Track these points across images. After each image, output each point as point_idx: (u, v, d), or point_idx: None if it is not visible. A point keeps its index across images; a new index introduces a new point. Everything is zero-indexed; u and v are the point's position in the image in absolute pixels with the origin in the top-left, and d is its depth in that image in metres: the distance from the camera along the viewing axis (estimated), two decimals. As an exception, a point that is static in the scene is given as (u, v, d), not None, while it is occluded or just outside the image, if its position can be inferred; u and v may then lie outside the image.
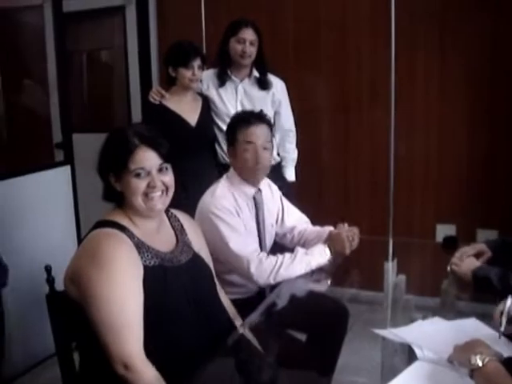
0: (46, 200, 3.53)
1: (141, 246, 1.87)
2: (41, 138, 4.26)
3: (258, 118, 2.61)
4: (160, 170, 1.93)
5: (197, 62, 3.43)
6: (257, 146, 2.56)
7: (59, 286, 1.95)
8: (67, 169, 3.71)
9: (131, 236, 1.87)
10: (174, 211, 2.13)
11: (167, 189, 1.96)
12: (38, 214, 3.46)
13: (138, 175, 1.89)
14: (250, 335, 2.04)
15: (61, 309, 1.93)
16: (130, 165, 1.88)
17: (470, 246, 2.50)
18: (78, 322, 1.84)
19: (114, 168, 1.91)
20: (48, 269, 2.01)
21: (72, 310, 1.85)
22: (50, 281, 1.99)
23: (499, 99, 3.90)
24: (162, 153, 1.92)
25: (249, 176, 2.62)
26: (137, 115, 4.60)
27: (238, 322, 2.14)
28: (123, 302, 1.76)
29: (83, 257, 1.83)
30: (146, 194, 1.91)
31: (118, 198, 1.95)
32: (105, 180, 1.95)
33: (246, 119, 2.58)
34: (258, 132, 2.57)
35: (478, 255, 2.47)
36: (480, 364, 1.47)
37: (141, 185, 1.90)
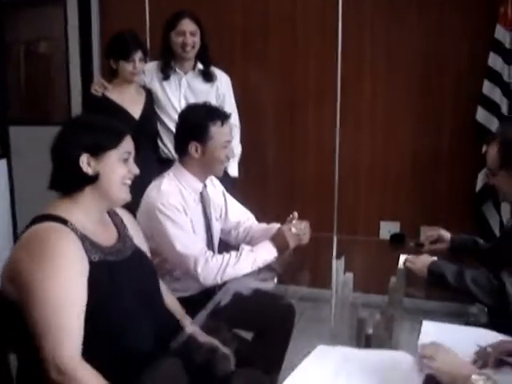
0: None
1: (84, 240, 1.79)
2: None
3: (226, 115, 2.60)
4: (133, 160, 1.93)
5: (138, 55, 3.37)
6: (230, 143, 2.60)
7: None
8: (3, 162, 3.58)
9: (74, 230, 1.78)
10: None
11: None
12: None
13: (124, 159, 1.87)
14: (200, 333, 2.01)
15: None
16: (122, 146, 1.86)
17: (434, 229, 2.64)
18: (15, 324, 1.74)
19: (100, 146, 1.82)
20: (-18, 267, 1.90)
21: (8, 312, 1.74)
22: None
23: (444, 97, 3.96)
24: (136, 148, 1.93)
25: (214, 172, 2.64)
26: (77, 107, 4.49)
27: (186, 320, 2.12)
28: (64, 302, 1.66)
29: (23, 253, 1.72)
30: (122, 181, 1.88)
31: (78, 183, 1.83)
32: (68, 162, 1.82)
33: (219, 117, 2.55)
34: (230, 129, 2.62)
35: (438, 240, 2.64)
36: None
37: (125, 170, 1.88)
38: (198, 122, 2.56)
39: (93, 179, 1.83)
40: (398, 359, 1.72)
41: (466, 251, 2.65)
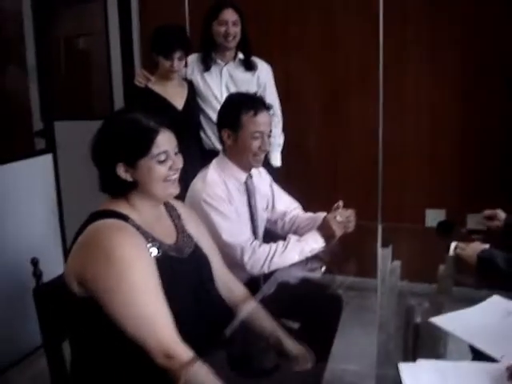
0: (27, 190, 3.44)
1: (146, 236, 1.80)
2: (20, 127, 4.17)
3: (263, 104, 2.58)
4: (176, 152, 1.89)
5: (177, 54, 3.37)
6: (264, 134, 2.55)
7: (46, 278, 1.88)
8: (49, 157, 3.62)
9: (136, 226, 1.79)
10: (171, 201, 2.05)
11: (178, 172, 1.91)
12: (19, 205, 3.37)
13: (161, 160, 1.82)
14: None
15: (49, 303, 1.86)
16: (153, 150, 1.80)
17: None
18: (73, 316, 1.77)
19: (130, 156, 1.79)
20: (35, 262, 1.94)
21: (65, 305, 1.77)
22: (37, 274, 1.91)
23: (494, 80, 3.87)
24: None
25: (248, 163, 2.59)
26: (119, 101, 4.51)
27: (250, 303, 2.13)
28: (146, 290, 1.68)
29: (88, 252, 1.71)
30: (164, 180, 1.84)
31: (122, 187, 1.83)
32: (107, 170, 1.81)
33: (253, 106, 2.53)
34: (265, 120, 2.57)
35: (492, 218, 2.64)
36: None
37: (164, 169, 1.83)
38: (231, 109, 2.57)
39: (134, 184, 1.82)
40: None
41: None
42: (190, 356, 1.63)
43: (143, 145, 1.79)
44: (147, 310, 1.66)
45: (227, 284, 2.14)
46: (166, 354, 1.62)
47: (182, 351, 1.64)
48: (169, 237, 1.91)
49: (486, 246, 2.35)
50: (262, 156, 2.60)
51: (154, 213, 1.91)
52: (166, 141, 1.84)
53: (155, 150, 1.80)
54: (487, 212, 2.69)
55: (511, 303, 1.89)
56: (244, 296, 2.17)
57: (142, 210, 1.85)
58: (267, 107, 2.59)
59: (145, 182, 1.82)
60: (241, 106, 2.53)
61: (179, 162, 1.89)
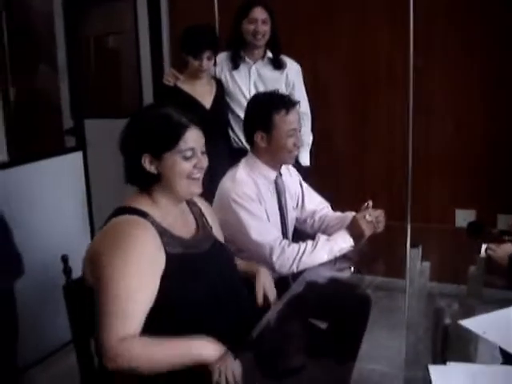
0: (57, 187, 3.47)
1: (164, 234, 1.81)
2: (51, 124, 4.21)
3: (292, 102, 2.58)
4: (202, 152, 1.90)
5: (206, 54, 3.38)
6: (297, 130, 2.56)
7: (75, 275, 1.90)
8: (79, 155, 3.65)
9: (154, 223, 1.81)
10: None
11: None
12: (50, 202, 3.41)
13: (187, 156, 1.83)
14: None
15: (78, 300, 1.88)
16: (181, 145, 1.82)
17: None
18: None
19: (157, 148, 1.82)
20: (65, 259, 1.96)
21: (90, 301, 1.78)
22: (67, 271, 1.94)
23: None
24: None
25: (283, 160, 2.61)
26: (148, 99, 4.55)
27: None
28: (127, 290, 1.69)
29: (101, 244, 1.76)
30: (188, 177, 1.85)
31: (146, 180, 1.85)
32: (134, 161, 1.84)
33: (284, 105, 2.53)
34: (296, 117, 2.58)
35: None
36: None
37: (188, 166, 1.85)
38: (261, 110, 2.56)
39: (158, 178, 1.84)
40: None
41: None
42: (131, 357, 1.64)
43: (171, 138, 1.81)
44: (120, 306, 1.67)
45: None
46: (107, 355, 1.63)
47: (120, 353, 1.63)
48: (189, 232, 1.94)
49: None
50: (297, 152, 2.63)
51: (176, 210, 1.93)
52: (194, 138, 1.86)
53: (182, 146, 1.82)
54: None
55: None
56: None
57: (163, 207, 1.87)
58: (295, 103, 2.58)
59: (168, 176, 1.83)
60: (271, 106, 2.53)
61: (205, 162, 1.90)
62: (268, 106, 2.53)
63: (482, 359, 1.74)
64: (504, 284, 2.38)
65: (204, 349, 1.68)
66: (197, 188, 1.91)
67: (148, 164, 1.82)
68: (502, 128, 3.91)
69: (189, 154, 1.84)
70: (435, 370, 1.57)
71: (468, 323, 1.85)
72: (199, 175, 1.89)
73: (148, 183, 1.86)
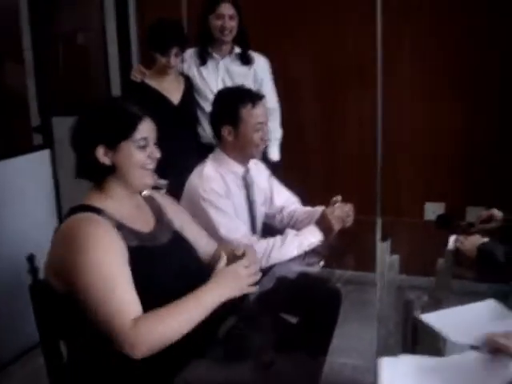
0: (25, 185, 3.43)
1: (121, 228, 1.80)
2: (18, 122, 4.16)
3: (258, 96, 2.59)
4: (154, 143, 1.91)
5: (174, 51, 3.37)
6: (264, 125, 2.57)
7: (43, 274, 1.88)
8: (46, 153, 3.61)
9: (109, 218, 1.80)
10: (149, 192, 2.06)
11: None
12: (17, 200, 3.37)
13: (141, 145, 1.84)
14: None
15: (45, 299, 1.85)
16: (136, 134, 1.83)
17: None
18: (63, 312, 1.77)
19: (113, 137, 1.82)
20: (31, 258, 1.93)
21: (56, 303, 1.78)
22: (33, 271, 1.91)
23: (494, 73, 3.87)
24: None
25: (251, 155, 2.61)
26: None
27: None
28: (116, 276, 1.68)
29: (62, 246, 1.74)
30: (141, 167, 1.86)
31: (100, 173, 1.85)
32: (87, 153, 1.82)
33: (250, 99, 2.54)
34: (263, 110, 2.59)
35: (489, 219, 2.58)
36: None
37: (142, 156, 1.85)
38: (228, 105, 2.57)
39: (112, 169, 1.83)
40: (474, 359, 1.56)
41: None
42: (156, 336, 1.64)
43: (127, 127, 1.82)
44: (113, 294, 1.66)
45: (214, 254, 2.15)
46: (128, 343, 1.62)
47: (144, 337, 1.63)
48: (147, 226, 1.92)
49: (486, 239, 2.35)
50: (264, 146, 2.64)
51: (131, 202, 1.92)
52: (147, 128, 1.87)
53: (137, 135, 1.83)
54: (483, 215, 2.63)
55: (503, 308, 1.87)
56: None
57: (117, 199, 1.87)
58: (262, 97, 2.59)
59: (123, 166, 1.83)
60: (237, 100, 2.53)
61: (157, 152, 1.90)
62: (234, 100, 2.54)
63: (452, 350, 1.75)
64: (472, 276, 2.40)
65: (213, 293, 1.77)
66: (150, 179, 1.91)
67: (102, 155, 1.81)
68: (471, 120, 3.94)
69: (143, 143, 1.84)
70: (384, 362, 1.57)
71: (427, 317, 1.86)
72: (152, 166, 1.90)
73: (101, 176, 1.86)
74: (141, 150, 1.85)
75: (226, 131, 2.54)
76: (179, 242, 2.01)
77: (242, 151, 2.57)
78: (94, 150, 1.80)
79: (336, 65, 4.16)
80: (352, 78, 4.16)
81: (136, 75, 3.46)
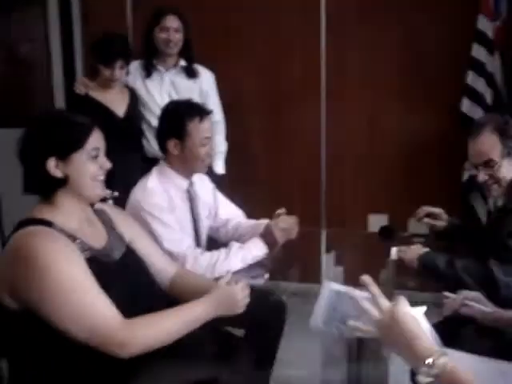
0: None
1: (73, 240, 1.76)
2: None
3: (205, 110, 2.58)
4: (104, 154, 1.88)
5: (118, 64, 3.35)
6: (210, 140, 2.57)
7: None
8: (-15, 166, 3.53)
9: (61, 231, 1.75)
10: (100, 205, 2.02)
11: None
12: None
13: (93, 156, 1.82)
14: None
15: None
16: (87, 145, 1.79)
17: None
18: (14, 330, 1.73)
19: (65, 149, 1.77)
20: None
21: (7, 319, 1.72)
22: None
23: (430, 88, 3.97)
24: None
25: (196, 169, 2.60)
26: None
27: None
28: (82, 289, 1.66)
29: (17, 263, 1.67)
30: (93, 179, 1.83)
31: (50, 186, 1.79)
32: (36, 167, 1.77)
33: (197, 113, 2.53)
34: (210, 125, 2.58)
35: (434, 216, 2.68)
36: (431, 379, 1.26)
37: (95, 167, 1.83)
38: (175, 118, 2.55)
39: (63, 181, 1.79)
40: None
41: (457, 235, 2.67)
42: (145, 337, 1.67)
43: (78, 138, 1.79)
44: (87, 308, 1.64)
45: (179, 278, 2.14)
46: (118, 344, 1.63)
47: (133, 335, 1.66)
48: (98, 240, 1.88)
49: (427, 249, 2.40)
50: (209, 161, 2.63)
51: (82, 215, 1.88)
52: (98, 139, 1.84)
53: (89, 145, 1.80)
54: (425, 210, 2.69)
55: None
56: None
57: (69, 212, 1.82)
58: (209, 112, 2.59)
59: (75, 178, 1.79)
60: (185, 113, 2.52)
61: (107, 164, 1.88)
62: (182, 114, 2.52)
63: (396, 360, 1.77)
64: (414, 286, 2.44)
65: (207, 308, 1.82)
66: (101, 190, 1.89)
67: (53, 168, 1.76)
68: (412, 134, 4.02)
69: (94, 153, 1.82)
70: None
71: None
72: (103, 177, 1.88)
73: (52, 189, 1.80)
74: (93, 161, 1.82)
75: (171, 145, 2.53)
76: (132, 258, 1.98)
77: (187, 165, 2.56)
78: (44, 163, 1.75)
79: (280, 77, 4.21)
80: (296, 91, 4.20)
81: (80, 87, 3.42)
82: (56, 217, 1.78)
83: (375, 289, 1.43)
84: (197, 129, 2.51)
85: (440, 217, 2.70)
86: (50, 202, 1.81)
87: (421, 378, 1.25)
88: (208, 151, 2.56)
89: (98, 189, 1.86)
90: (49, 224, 1.75)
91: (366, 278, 1.44)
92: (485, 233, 2.44)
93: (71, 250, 1.72)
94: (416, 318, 1.36)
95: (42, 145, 1.77)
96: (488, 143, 2.23)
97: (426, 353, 1.26)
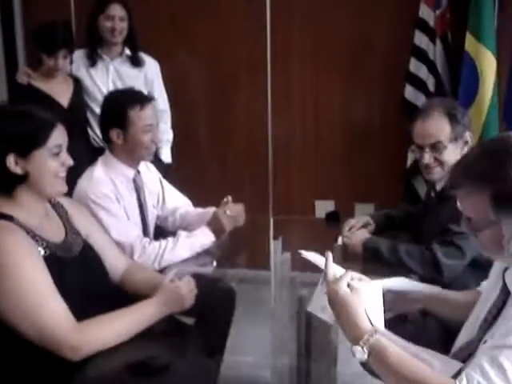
0: None
1: (33, 236, 1.75)
2: None
3: (147, 98, 2.57)
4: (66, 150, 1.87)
5: (61, 53, 3.31)
6: (154, 127, 2.55)
7: None
8: None
9: (20, 225, 1.74)
10: (56, 198, 2.00)
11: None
12: None
13: (55, 153, 1.80)
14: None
15: None
16: (50, 142, 1.77)
17: (357, 219, 2.60)
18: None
19: (26, 146, 1.75)
20: None
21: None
22: None
23: (373, 75, 4.02)
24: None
25: (141, 157, 2.59)
26: (3, 99, 4.34)
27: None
28: (41, 289, 1.66)
29: None
30: (55, 176, 1.81)
31: (9, 182, 1.77)
32: None
33: (139, 100, 2.51)
34: (152, 112, 2.56)
35: (363, 227, 2.59)
36: (365, 357, 1.35)
37: (56, 164, 1.81)
38: (116, 107, 2.54)
39: (23, 178, 1.77)
40: None
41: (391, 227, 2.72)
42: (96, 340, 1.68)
43: (40, 135, 1.77)
44: (42, 310, 1.64)
45: (128, 272, 2.14)
46: (70, 347, 1.63)
47: (85, 338, 1.66)
48: (57, 235, 1.87)
49: (370, 234, 2.45)
50: (154, 148, 2.61)
51: (41, 211, 1.87)
52: (60, 135, 1.83)
53: (51, 142, 1.79)
54: (352, 226, 2.61)
55: None
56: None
57: (28, 208, 1.81)
58: (151, 99, 2.58)
59: (35, 175, 1.78)
60: (125, 102, 2.51)
61: (69, 160, 1.87)
62: (122, 103, 2.51)
63: (345, 344, 1.80)
64: (360, 270, 2.48)
65: (155, 308, 1.85)
66: (62, 187, 1.88)
67: (13, 165, 1.74)
68: (357, 121, 4.08)
69: (56, 150, 1.80)
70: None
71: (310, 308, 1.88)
72: (64, 174, 1.87)
73: (11, 185, 1.78)
74: (54, 158, 1.80)
75: (114, 134, 2.51)
76: (89, 253, 1.97)
77: (131, 154, 2.55)
78: (3, 159, 1.73)
79: (226, 64, 4.20)
80: (242, 77, 4.21)
81: (22, 77, 3.37)
82: (16, 212, 1.77)
83: (329, 265, 1.51)
84: (138, 116, 2.49)
85: (366, 225, 2.68)
86: (10, 197, 1.79)
87: (357, 355, 1.34)
88: (152, 138, 2.55)
89: (58, 185, 1.85)
90: (9, 218, 1.74)
91: (328, 255, 1.53)
92: (426, 217, 2.50)
93: (30, 247, 1.71)
94: (364, 294, 1.41)
95: (1, 141, 1.75)
96: (438, 125, 2.28)
97: (359, 332, 1.35)
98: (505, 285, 1.43)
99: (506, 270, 1.45)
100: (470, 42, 3.52)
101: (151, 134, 2.54)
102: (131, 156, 2.56)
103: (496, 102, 3.50)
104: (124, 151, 2.54)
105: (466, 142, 2.31)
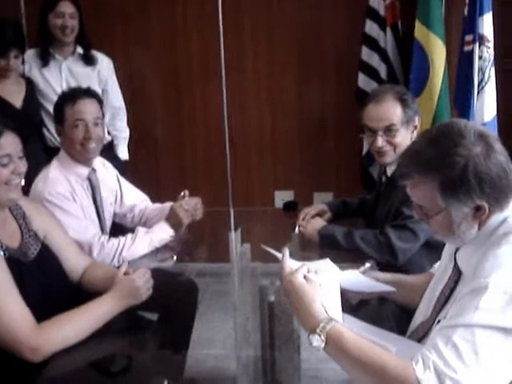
0: None
1: None
2: None
3: (85, 93, 2.53)
4: (20, 156, 1.83)
5: (13, 53, 3.24)
6: (87, 121, 2.48)
7: None
8: None
9: None
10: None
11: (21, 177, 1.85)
12: None
13: (3, 163, 1.76)
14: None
15: None
16: None
17: (312, 206, 2.63)
18: None
19: None
20: None
21: None
22: None
23: (327, 64, 4.07)
24: (21, 139, 1.82)
25: (80, 155, 2.52)
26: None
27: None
28: (4, 288, 1.66)
29: None
30: (6, 183, 1.78)
31: None
32: None
33: (73, 95, 2.49)
34: (87, 108, 2.50)
35: (319, 215, 2.62)
36: (323, 345, 1.35)
37: (6, 173, 1.77)
38: (56, 105, 2.55)
39: None
40: None
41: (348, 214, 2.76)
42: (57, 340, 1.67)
43: None
44: (2, 311, 1.64)
45: (88, 271, 2.12)
46: (30, 349, 1.63)
47: (46, 340, 1.66)
48: (14, 240, 1.86)
49: (325, 223, 2.48)
50: (92, 146, 2.50)
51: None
52: (9, 143, 1.79)
53: None
54: (307, 213, 2.64)
55: None
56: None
57: None
58: (91, 95, 2.54)
59: None
60: (62, 99, 2.51)
61: (22, 167, 1.84)
62: (61, 100, 2.52)
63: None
64: (318, 258, 2.51)
65: (112, 303, 1.84)
66: (16, 194, 1.85)
67: None
68: (312, 110, 4.12)
69: (5, 160, 1.77)
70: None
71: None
72: (17, 181, 1.83)
73: None
74: (3, 167, 1.77)
75: (58, 131, 2.53)
76: (47, 255, 1.96)
77: (71, 151, 2.52)
78: None
79: (179, 59, 4.22)
80: (196, 72, 4.23)
81: (-28, 79, 3.30)
82: None
83: (286, 260, 1.54)
84: (69, 112, 2.48)
85: (323, 213, 2.72)
86: None
87: (314, 343, 1.35)
88: (84, 134, 2.48)
89: (11, 193, 1.82)
90: None
91: (285, 251, 1.57)
92: (379, 201, 2.53)
93: None
94: (320, 285, 1.43)
95: None
96: (391, 109, 2.32)
97: (315, 321, 1.37)
98: (456, 265, 1.47)
99: (457, 250, 1.49)
100: (419, 30, 3.58)
101: (83, 129, 2.48)
102: (73, 154, 2.52)
103: (446, 88, 3.57)
104: (66, 149, 2.53)
105: (416, 127, 2.36)
